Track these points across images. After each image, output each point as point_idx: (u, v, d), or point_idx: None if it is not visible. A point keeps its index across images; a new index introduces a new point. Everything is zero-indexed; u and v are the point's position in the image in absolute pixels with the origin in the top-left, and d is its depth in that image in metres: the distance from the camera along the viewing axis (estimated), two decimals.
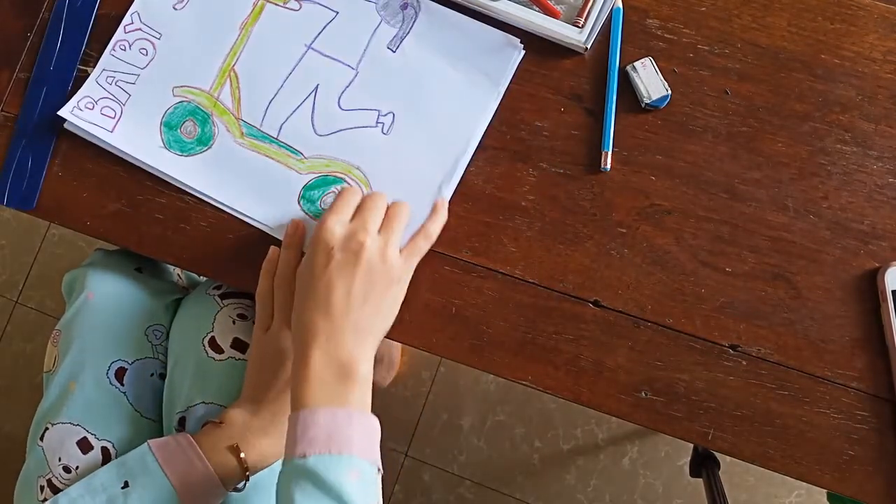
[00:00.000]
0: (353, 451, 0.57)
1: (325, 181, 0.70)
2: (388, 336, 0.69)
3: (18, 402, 1.47)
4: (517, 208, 0.69)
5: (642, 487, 1.38)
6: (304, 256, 0.64)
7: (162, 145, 0.71)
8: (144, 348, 0.74)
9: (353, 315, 0.60)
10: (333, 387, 0.59)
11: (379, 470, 0.59)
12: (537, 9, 0.70)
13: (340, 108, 0.71)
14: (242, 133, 0.71)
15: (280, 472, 0.58)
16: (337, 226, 0.62)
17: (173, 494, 0.62)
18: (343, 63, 0.71)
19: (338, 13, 0.72)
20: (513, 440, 1.40)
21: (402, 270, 0.64)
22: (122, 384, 0.72)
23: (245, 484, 0.66)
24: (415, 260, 0.66)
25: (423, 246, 0.66)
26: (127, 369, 0.72)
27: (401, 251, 0.64)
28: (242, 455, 0.64)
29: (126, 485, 0.63)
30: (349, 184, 0.70)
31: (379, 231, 0.63)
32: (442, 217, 0.67)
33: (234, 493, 0.67)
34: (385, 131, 0.71)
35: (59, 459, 0.69)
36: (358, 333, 0.61)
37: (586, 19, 0.69)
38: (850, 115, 0.68)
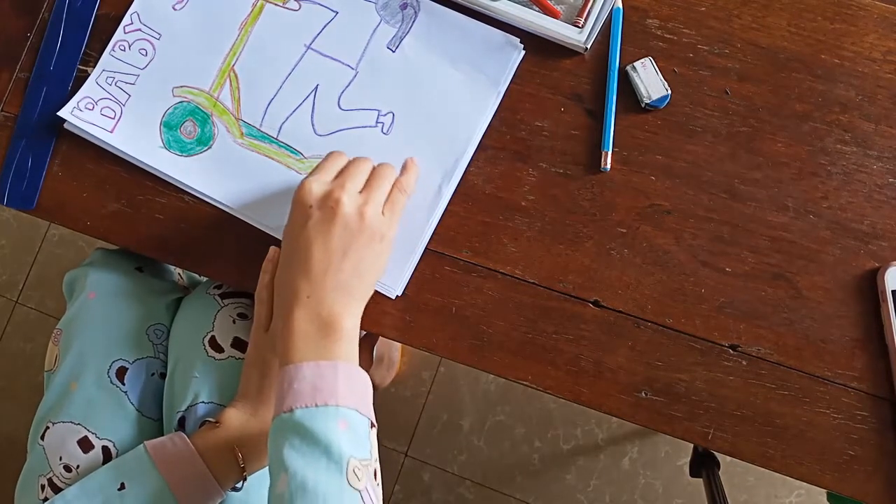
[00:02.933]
0: (338, 402, 0.56)
1: None
2: (389, 336, 0.70)
3: (18, 402, 1.47)
4: (517, 208, 0.69)
5: (642, 487, 1.38)
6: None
7: (162, 145, 0.71)
8: (145, 348, 0.74)
9: (333, 271, 0.60)
10: (317, 342, 0.59)
11: (372, 424, 0.59)
12: (537, 9, 0.70)
13: (340, 108, 0.71)
14: (242, 133, 0.71)
15: (269, 431, 0.58)
16: (315, 184, 0.62)
17: (170, 496, 0.62)
18: (343, 63, 0.71)
19: (337, 13, 0.72)
20: (513, 440, 1.40)
21: (383, 227, 0.63)
22: (124, 383, 0.72)
23: (243, 484, 0.66)
24: (395, 216, 0.65)
25: (400, 199, 0.65)
26: (128, 369, 0.72)
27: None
28: (239, 455, 0.64)
29: (122, 486, 0.63)
30: None
31: (361, 192, 0.63)
32: (414, 171, 0.68)
33: (233, 492, 0.67)
34: (385, 131, 0.71)
35: (60, 458, 0.69)
36: (339, 289, 0.61)
37: (586, 19, 0.69)
38: (850, 115, 0.68)
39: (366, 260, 0.62)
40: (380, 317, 0.69)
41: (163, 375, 0.74)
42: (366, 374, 0.61)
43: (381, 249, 0.63)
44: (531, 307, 0.68)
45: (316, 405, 0.56)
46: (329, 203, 0.61)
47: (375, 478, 0.57)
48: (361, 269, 0.62)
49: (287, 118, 0.71)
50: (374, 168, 0.65)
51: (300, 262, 0.61)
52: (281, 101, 0.71)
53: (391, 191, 0.65)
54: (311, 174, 0.64)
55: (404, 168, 0.68)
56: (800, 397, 0.66)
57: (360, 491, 0.54)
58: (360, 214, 0.61)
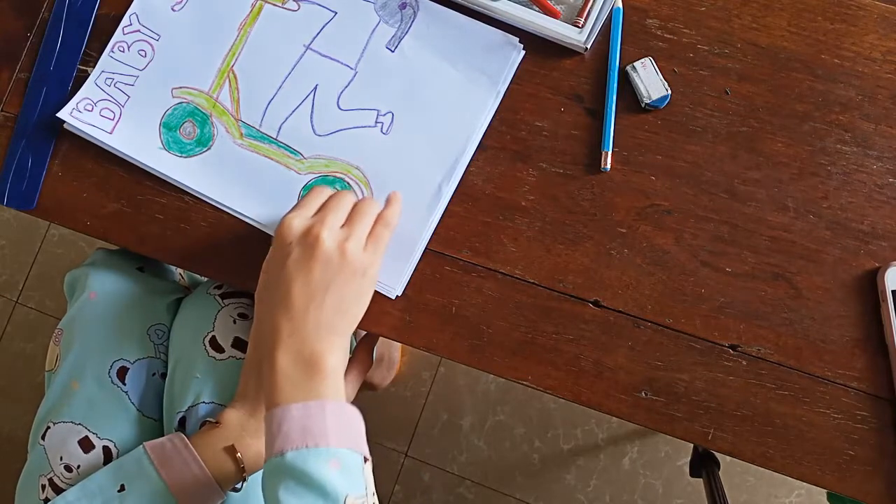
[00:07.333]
0: (329, 443, 0.56)
1: (324, 181, 0.70)
2: (389, 336, 0.70)
3: (18, 402, 1.47)
4: (517, 208, 0.69)
5: (642, 487, 1.38)
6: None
7: (161, 146, 0.71)
8: (146, 348, 0.74)
9: (314, 309, 0.60)
10: (303, 382, 0.59)
11: (366, 459, 0.59)
12: (537, 9, 0.69)
13: (339, 108, 0.71)
14: (241, 134, 0.71)
15: (263, 473, 0.58)
16: (295, 220, 0.62)
17: (169, 497, 0.62)
18: (342, 63, 0.71)
19: (336, 13, 0.72)
20: (513, 440, 1.40)
21: (365, 262, 0.62)
22: (124, 383, 0.72)
23: (243, 484, 0.66)
24: (379, 250, 0.64)
25: (384, 233, 0.64)
26: (129, 369, 0.72)
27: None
28: (239, 455, 0.64)
29: (122, 488, 0.63)
30: (348, 184, 0.70)
31: (343, 227, 0.63)
32: (397, 204, 0.66)
33: (232, 492, 0.67)
34: (384, 131, 0.71)
35: (61, 459, 0.69)
36: (321, 327, 0.60)
37: (586, 19, 0.69)
38: (850, 115, 0.68)
39: (348, 296, 0.61)
40: (380, 317, 0.69)
41: (163, 376, 0.74)
42: (355, 409, 0.60)
43: (364, 284, 0.63)
44: (531, 307, 0.68)
45: (307, 447, 0.56)
46: (309, 239, 0.60)
47: None
48: (343, 305, 0.61)
49: (286, 118, 0.71)
50: (356, 203, 0.65)
51: (281, 300, 0.60)
52: (280, 102, 0.71)
53: (374, 225, 0.64)
54: (292, 210, 0.63)
55: (388, 202, 0.66)
56: (800, 397, 0.66)
57: None
58: (340, 250, 0.61)
